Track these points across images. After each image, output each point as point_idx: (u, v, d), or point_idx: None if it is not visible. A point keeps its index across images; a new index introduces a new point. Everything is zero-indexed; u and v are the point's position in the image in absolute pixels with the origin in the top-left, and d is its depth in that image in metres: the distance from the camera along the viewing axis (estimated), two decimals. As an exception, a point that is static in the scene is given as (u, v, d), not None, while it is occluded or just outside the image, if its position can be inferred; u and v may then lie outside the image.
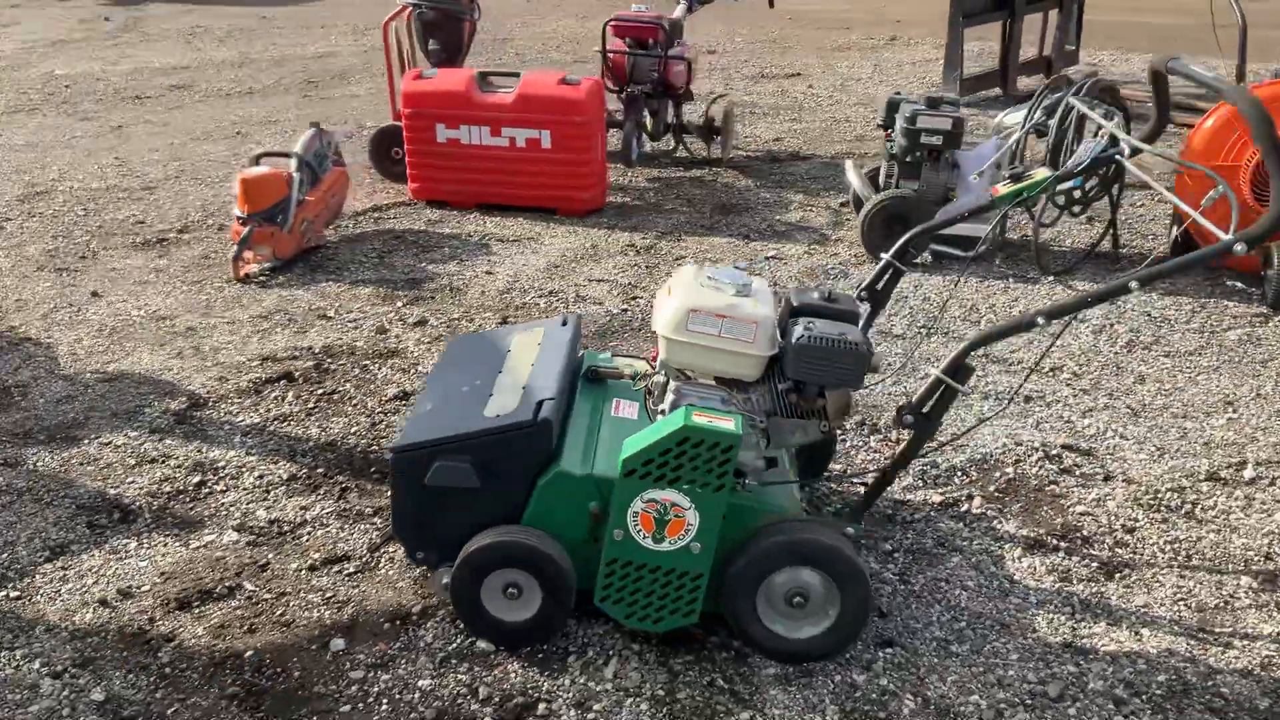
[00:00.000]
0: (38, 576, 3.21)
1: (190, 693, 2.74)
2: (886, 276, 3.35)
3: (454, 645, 2.90)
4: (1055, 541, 3.39)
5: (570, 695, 2.73)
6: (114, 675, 2.80)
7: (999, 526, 3.46)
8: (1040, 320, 2.59)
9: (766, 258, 5.85)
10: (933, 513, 3.54)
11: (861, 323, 3.18)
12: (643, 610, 2.80)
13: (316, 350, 4.73)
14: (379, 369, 4.58)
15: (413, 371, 4.56)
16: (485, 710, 2.68)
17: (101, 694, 2.73)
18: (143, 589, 3.15)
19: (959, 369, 2.67)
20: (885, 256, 3.33)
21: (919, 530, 3.44)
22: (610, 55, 7.44)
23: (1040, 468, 3.78)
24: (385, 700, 2.73)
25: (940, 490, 3.66)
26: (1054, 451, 3.87)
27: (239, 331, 4.96)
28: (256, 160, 5.96)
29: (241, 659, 2.86)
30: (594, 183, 6.62)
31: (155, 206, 6.83)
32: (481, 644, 2.90)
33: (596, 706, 2.69)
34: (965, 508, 3.57)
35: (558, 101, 6.38)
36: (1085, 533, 3.43)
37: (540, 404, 2.85)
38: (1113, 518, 3.50)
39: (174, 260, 5.92)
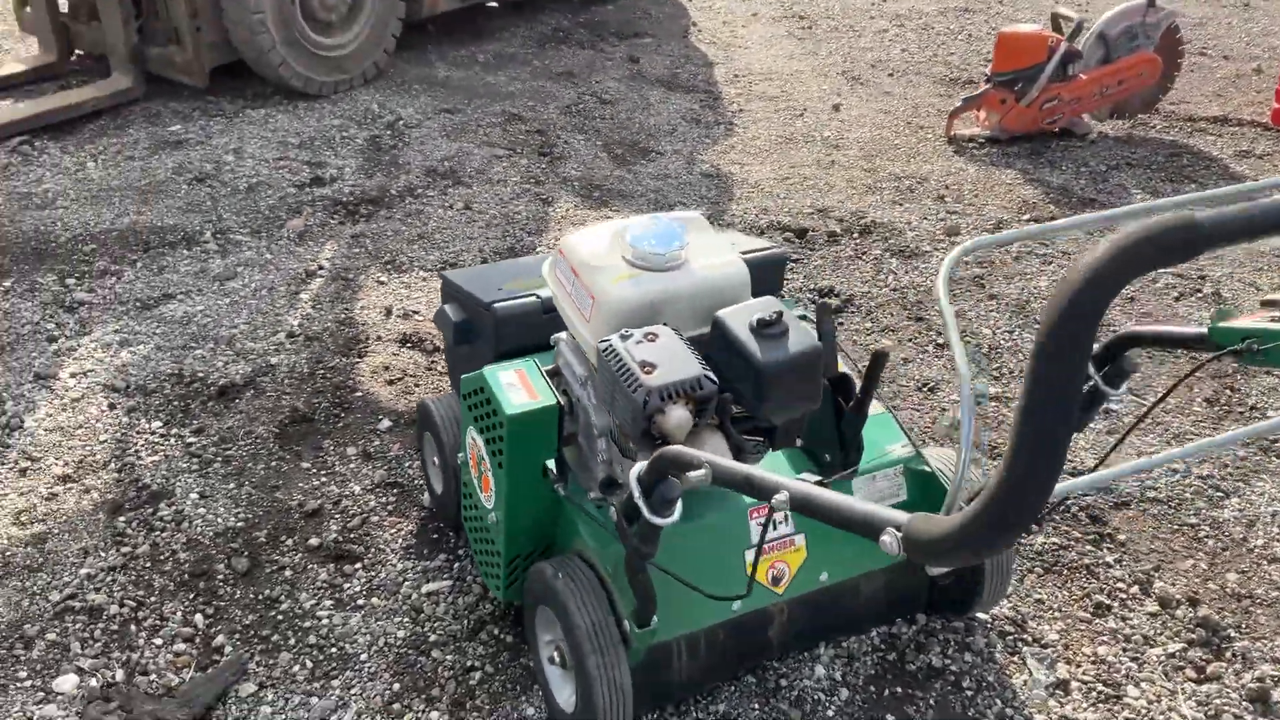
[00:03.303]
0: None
1: (284, 394, 3.22)
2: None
3: (405, 483, 2.87)
4: None
5: (377, 580, 2.56)
6: (280, 377, 3.33)
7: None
8: (779, 501, 1.43)
9: None
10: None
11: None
12: (479, 550, 2.43)
13: (792, 230, 4.36)
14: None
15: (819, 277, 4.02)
16: (329, 539, 2.68)
17: (240, 374, 3.32)
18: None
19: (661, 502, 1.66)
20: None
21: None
22: None
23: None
24: (312, 479, 2.89)
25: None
26: None
27: (771, 194, 4.81)
28: (1054, 18, 5.27)
29: (343, 402, 3.19)
30: None
31: (961, 54, 6.57)
32: (425, 498, 2.83)
33: (378, 601, 2.50)
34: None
35: None
36: None
37: (516, 297, 2.53)
38: None
39: (897, 102, 5.79)
